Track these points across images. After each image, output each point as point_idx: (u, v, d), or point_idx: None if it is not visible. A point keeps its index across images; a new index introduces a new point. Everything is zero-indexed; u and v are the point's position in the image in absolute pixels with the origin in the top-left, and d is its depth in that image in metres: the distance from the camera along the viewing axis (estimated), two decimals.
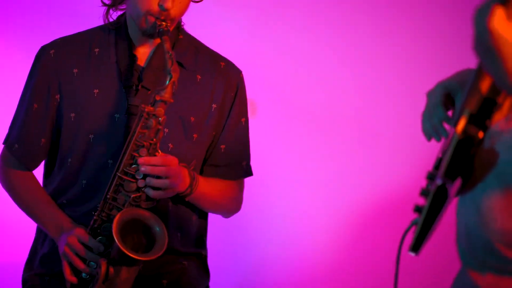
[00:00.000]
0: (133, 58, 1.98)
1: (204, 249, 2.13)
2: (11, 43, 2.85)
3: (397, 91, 2.86)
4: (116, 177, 1.86)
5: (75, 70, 1.99)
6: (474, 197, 1.26)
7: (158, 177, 1.84)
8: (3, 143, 2.07)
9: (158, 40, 1.98)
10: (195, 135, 2.00)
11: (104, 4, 2.02)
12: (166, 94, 1.82)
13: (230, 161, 2.08)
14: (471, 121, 1.16)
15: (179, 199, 1.97)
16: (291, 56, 2.84)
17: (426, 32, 2.84)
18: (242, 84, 2.10)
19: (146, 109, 1.82)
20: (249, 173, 2.13)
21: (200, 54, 2.06)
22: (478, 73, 1.18)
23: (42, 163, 2.09)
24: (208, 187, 2.01)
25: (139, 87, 1.96)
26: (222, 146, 2.06)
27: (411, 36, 2.84)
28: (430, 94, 1.47)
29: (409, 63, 2.84)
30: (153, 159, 1.84)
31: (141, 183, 1.85)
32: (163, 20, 1.88)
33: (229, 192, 2.10)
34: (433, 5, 2.83)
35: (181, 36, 2.05)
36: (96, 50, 2.01)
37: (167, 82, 1.81)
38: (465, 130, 1.16)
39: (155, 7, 1.88)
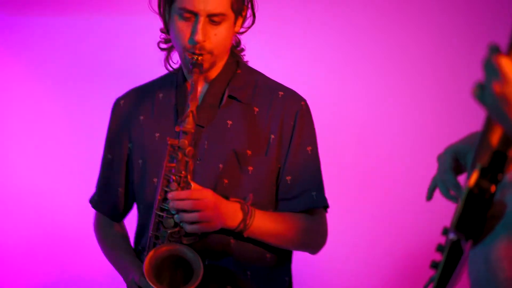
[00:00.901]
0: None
1: None
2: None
3: (398, 92, 2.86)
4: (154, 214, 1.85)
5: (142, 117, 2.04)
6: (483, 247, 1.24)
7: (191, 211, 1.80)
8: (89, 201, 2.15)
9: (211, 77, 1.98)
10: (250, 168, 1.93)
11: (162, 49, 2.05)
12: (188, 125, 1.79)
13: (298, 192, 1.96)
14: (483, 175, 1.15)
15: (241, 235, 1.90)
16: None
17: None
18: (304, 111, 1.98)
19: (170, 142, 1.80)
20: (321, 203, 1.98)
21: (259, 87, 2.00)
22: (487, 127, 1.16)
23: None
24: (269, 221, 1.91)
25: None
26: (288, 178, 1.95)
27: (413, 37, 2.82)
28: (440, 158, 1.44)
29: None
30: (181, 193, 1.80)
31: (177, 218, 1.82)
32: (197, 54, 1.86)
33: (300, 225, 1.96)
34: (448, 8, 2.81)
35: (239, 71, 2.01)
36: (161, 95, 2.04)
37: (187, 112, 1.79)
38: (477, 184, 1.15)
39: (188, 43, 1.87)
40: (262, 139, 1.94)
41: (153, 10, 1.98)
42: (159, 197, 1.84)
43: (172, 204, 1.80)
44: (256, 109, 1.96)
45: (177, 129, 1.80)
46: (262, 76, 2.04)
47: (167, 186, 1.83)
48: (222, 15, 1.86)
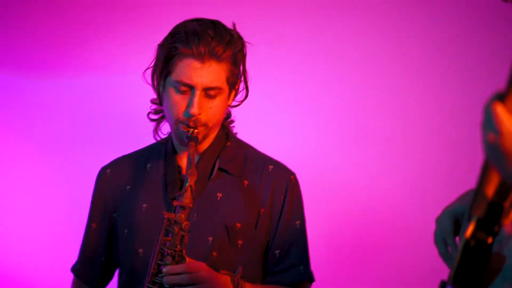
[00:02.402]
0: (177, 169, 1.99)
1: None
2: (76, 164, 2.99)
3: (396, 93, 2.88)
4: (146, 287, 1.83)
5: (128, 187, 2.04)
6: None
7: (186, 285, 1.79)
8: (71, 270, 2.13)
9: (202, 149, 1.99)
10: (239, 241, 1.95)
11: (151, 120, 2.06)
12: (186, 199, 1.79)
13: (286, 266, 1.99)
14: (479, 226, 1.15)
15: None
16: None
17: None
18: (293, 186, 2.02)
19: (166, 216, 1.80)
20: (307, 277, 2.01)
21: (249, 159, 2.03)
22: (482, 178, 1.15)
23: None
24: None
25: None
26: (277, 251, 1.98)
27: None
28: (438, 221, 1.44)
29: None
30: (176, 268, 1.80)
31: None
32: (192, 127, 1.88)
33: None
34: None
35: (229, 143, 2.03)
36: (148, 165, 2.05)
37: (185, 186, 1.79)
38: (473, 236, 1.15)
39: (183, 115, 1.88)
40: (252, 212, 1.96)
41: (146, 81, 2.00)
42: (152, 270, 1.82)
43: (166, 279, 1.79)
44: (246, 182, 1.99)
45: (175, 203, 1.80)
46: (251, 149, 2.07)
47: (161, 260, 1.82)
48: (218, 88, 1.89)
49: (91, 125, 3.00)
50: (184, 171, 1.98)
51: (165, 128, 2.06)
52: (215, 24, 1.91)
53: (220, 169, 1.98)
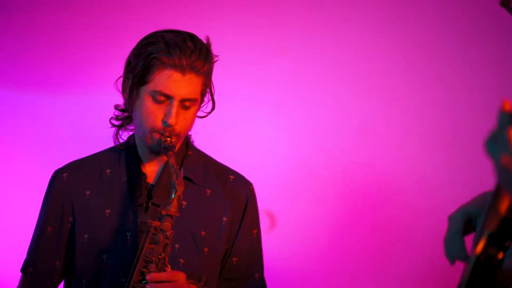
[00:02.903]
0: (142, 176, 2.01)
1: None
2: (23, 167, 2.94)
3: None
4: None
5: (88, 192, 2.03)
6: None
7: None
8: (20, 270, 2.08)
9: (166, 158, 2.01)
10: (206, 249, 2.01)
11: (113, 125, 2.07)
12: (172, 208, 1.83)
13: (242, 273, 2.08)
14: (490, 242, 1.15)
15: None
16: None
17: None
18: (252, 196, 2.11)
19: (153, 224, 1.83)
20: (262, 284, 2.11)
21: (209, 169, 2.09)
22: (496, 194, 1.15)
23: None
24: None
25: (149, 204, 1.98)
26: (234, 259, 2.07)
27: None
28: (451, 219, 1.44)
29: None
30: (160, 275, 1.83)
31: None
32: (168, 136, 1.91)
33: None
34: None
35: (190, 152, 2.08)
36: (108, 171, 2.05)
37: (173, 196, 1.83)
38: (484, 251, 1.15)
39: (159, 124, 1.91)
40: (215, 221, 2.04)
41: (117, 88, 2.02)
42: (134, 278, 1.84)
43: (150, 286, 1.82)
44: (209, 191, 2.06)
45: (163, 212, 1.83)
46: (210, 158, 2.13)
47: (144, 267, 1.84)
48: (194, 100, 1.93)
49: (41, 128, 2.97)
50: (149, 179, 2.02)
51: (125, 134, 2.09)
52: (193, 37, 1.95)
53: (185, 177, 2.02)
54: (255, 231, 2.11)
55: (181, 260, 1.97)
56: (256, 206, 2.13)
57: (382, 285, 2.87)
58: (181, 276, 1.86)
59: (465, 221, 1.40)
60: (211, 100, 2.04)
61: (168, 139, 1.91)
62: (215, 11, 2.93)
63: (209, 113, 2.09)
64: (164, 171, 2.02)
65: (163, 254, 1.85)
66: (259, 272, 2.12)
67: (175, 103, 1.90)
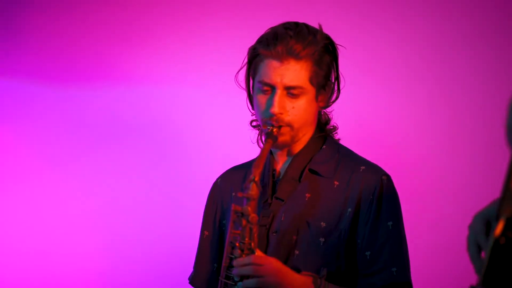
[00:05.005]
0: (273, 172, 2.01)
1: None
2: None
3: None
4: (220, 282, 1.86)
5: (234, 194, 2.08)
6: None
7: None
8: (189, 281, 2.16)
9: (294, 152, 2.00)
10: (321, 239, 1.91)
11: (253, 127, 2.09)
12: (251, 191, 1.80)
13: (378, 268, 1.90)
14: (509, 225, 1.13)
15: None
16: None
17: None
18: (383, 186, 1.93)
19: (233, 208, 1.82)
20: (401, 278, 1.90)
21: (343, 161, 1.99)
22: (509, 177, 1.13)
23: None
24: None
25: (273, 198, 1.97)
26: (367, 253, 1.91)
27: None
28: (471, 227, 1.35)
29: None
30: (243, 259, 1.80)
31: (241, 286, 1.81)
32: (272, 125, 1.90)
33: None
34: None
35: (324, 146, 2.02)
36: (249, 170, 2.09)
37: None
38: (503, 234, 1.13)
39: (267, 114, 1.92)
40: (337, 212, 1.92)
41: (240, 85, 2.05)
42: (224, 264, 1.85)
43: (235, 271, 1.80)
44: (336, 183, 1.95)
45: (239, 195, 1.82)
46: (347, 151, 2.03)
47: (231, 253, 1.83)
48: (299, 88, 1.90)
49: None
50: (278, 173, 2.01)
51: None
52: (298, 25, 1.94)
53: (311, 170, 1.96)
54: (390, 223, 1.92)
55: (296, 251, 1.90)
56: (391, 197, 1.94)
57: None
58: (271, 261, 1.81)
59: (485, 224, 1.32)
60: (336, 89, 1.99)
61: (270, 127, 1.90)
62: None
63: (333, 102, 2.01)
64: (291, 165, 1.99)
65: (247, 239, 1.81)
66: (398, 266, 1.90)
67: (278, 91, 1.90)
